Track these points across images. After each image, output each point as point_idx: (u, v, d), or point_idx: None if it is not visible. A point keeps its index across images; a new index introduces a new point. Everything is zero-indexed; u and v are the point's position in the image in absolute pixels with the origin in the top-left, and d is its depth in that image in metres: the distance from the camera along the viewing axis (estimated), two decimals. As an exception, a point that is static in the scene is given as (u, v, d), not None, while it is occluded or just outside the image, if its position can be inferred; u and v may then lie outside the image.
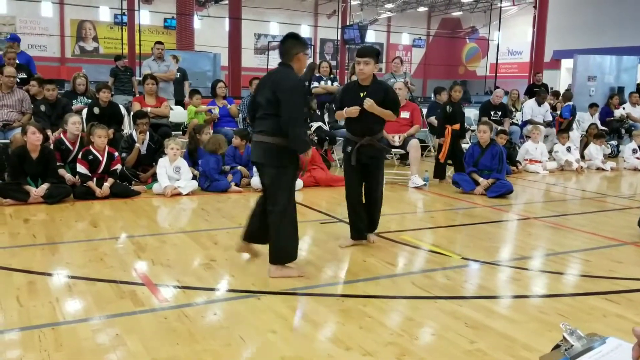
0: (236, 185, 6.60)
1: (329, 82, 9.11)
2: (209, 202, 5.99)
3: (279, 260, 3.66)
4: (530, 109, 10.44)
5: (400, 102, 7.45)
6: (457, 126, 7.49)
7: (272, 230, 3.65)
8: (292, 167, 3.64)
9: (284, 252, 3.66)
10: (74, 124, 6.29)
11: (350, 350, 2.65)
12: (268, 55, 29.52)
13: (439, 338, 2.82)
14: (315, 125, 8.56)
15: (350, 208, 4.41)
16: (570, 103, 11.48)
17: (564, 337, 1.14)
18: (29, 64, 8.74)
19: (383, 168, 4.50)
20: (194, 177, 6.59)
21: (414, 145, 7.23)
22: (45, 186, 5.60)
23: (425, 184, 7.12)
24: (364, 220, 4.41)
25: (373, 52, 4.24)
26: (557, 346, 1.15)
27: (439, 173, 7.72)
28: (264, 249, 3.79)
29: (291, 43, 3.67)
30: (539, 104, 10.44)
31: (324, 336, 2.81)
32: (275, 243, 3.67)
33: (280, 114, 3.48)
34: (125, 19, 23.21)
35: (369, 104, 4.16)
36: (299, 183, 6.77)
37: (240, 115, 8.46)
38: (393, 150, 7.68)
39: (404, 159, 8.83)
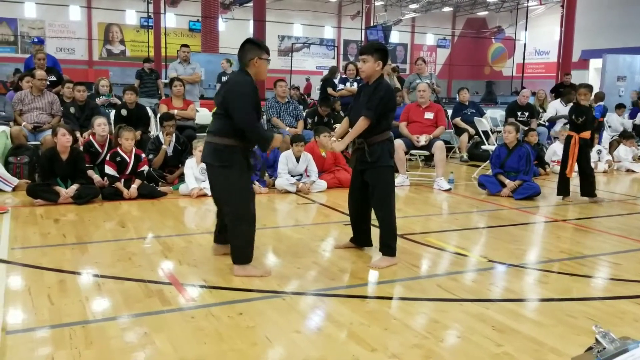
0: (260, 186, 6.62)
1: (355, 84, 9.10)
2: (234, 203, 6.03)
3: (237, 261, 3.68)
4: (555, 109, 10.32)
5: (425, 102, 7.53)
6: (586, 134, 6.36)
7: (229, 230, 3.71)
8: (238, 167, 3.59)
9: (240, 252, 3.68)
10: (100, 125, 6.41)
11: (375, 351, 2.65)
12: (292, 56, 29.65)
13: (465, 341, 2.80)
14: (337, 127, 8.57)
15: (349, 210, 4.34)
16: (602, 103, 11.30)
17: (596, 340, 1.12)
18: (54, 66, 8.92)
19: (385, 185, 3.96)
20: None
21: (439, 147, 7.18)
22: (74, 187, 5.71)
23: (450, 188, 7.06)
24: (359, 228, 4.27)
25: (372, 49, 3.94)
26: (589, 349, 1.14)
27: (564, 189, 6.57)
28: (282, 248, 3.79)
29: (246, 49, 3.64)
30: (565, 103, 10.31)
31: (349, 337, 2.81)
32: (232, 243, 3.71)
33: (227, 115, 3.58)
34: (151, 22, 23.54)
35: (334, 148, 4.15)
36: (323, 184, 6.79)
37: (264, 116, 8.51)
38: (418, 151, 7.65)
39: (428, 160, 8.78)
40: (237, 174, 3.60)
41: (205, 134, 8.36)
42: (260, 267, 3.77)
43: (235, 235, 3.67)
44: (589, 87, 6.47)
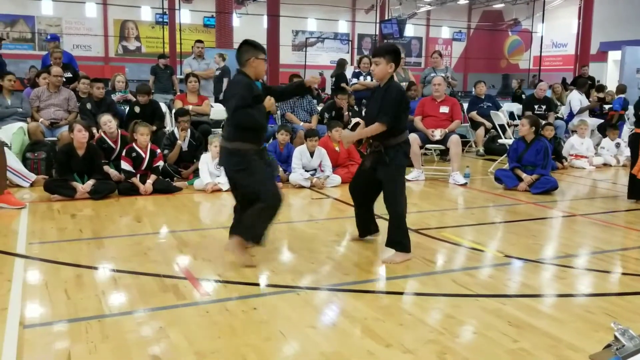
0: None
1: (368, 78, 9.05)
2: (248, 198, 6.04)
3: (243, 233, 3.74)
4: (579, 101, 10.21)
5: (440, 96, 7.47)
6: None
7: (252, 211, 3.71)
8: (253, 166, 3.71)
9: (252, 230, 3.74)
10: (105, 123, 6.46)
11: (390, 347, 2.63)
12: (306, 51, 29.59)
13: (481, 337, 2.77)
14: (353, 121, 8.53)
15: (353, 201, 4.38)
16: (623, 96, 11.12)
17: (615, 337, 1.10)
18: (70, 62, 8.99)
19: (397, 183, 3.96)
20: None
21: (454, 141, 7.12)
22: (91, 182, 5.76)
23: (466, 182, 7.00)
24: (363, 221, 4.33)
25: (384, 52, 3.96)
26: (608, 346, 1.11)
27: (636, 191, 5.98)
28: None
29: (243, 50, 3.80)
30: (582, 94, 10.29)
31: (363, 333, 2.80)
32: (248, 219, 3.75)
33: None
34: (166, 18, 23.65)
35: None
36: (337, 179, 6.77)
37: (278, 111, 8.50)
38: (433, 146, 7.59)
39: (444, 154, 8.71)
40: (252, 172, 3.71)
41: (219, 129, 8.47)
42: (249, 258, 3.78)
43: (258, 215, 3.71)
44: None
